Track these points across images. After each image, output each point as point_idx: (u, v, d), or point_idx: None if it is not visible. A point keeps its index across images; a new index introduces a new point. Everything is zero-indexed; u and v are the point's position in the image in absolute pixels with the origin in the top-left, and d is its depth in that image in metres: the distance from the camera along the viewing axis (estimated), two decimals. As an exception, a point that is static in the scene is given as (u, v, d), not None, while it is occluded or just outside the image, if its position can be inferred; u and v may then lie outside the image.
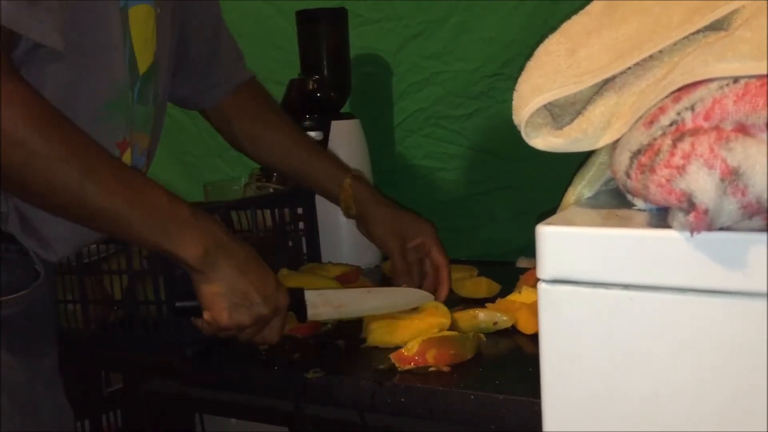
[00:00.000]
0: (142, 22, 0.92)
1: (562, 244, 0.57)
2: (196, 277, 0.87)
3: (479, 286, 1.19)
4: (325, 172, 1.18)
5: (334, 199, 1.18)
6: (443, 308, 1.04)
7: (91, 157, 0.79)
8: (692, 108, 0.52)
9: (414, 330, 0.99)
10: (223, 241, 0.87)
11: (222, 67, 1.18)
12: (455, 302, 1.12)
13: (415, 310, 1.05)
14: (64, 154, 0.76)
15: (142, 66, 0.94)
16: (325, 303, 1.01)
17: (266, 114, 1.21)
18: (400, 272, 1.13)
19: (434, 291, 1.11)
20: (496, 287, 1.18)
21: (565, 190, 0.70)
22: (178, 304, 0.93)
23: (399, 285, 1.13)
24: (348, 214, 1.17)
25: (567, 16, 0.70)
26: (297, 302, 0.98)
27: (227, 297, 0.87)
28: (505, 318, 1.01)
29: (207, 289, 0.87)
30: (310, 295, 1.00)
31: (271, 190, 1.36)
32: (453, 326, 1.02)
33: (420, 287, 1.11)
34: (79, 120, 0.80)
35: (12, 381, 0.86)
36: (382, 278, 1.34)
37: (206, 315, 0.89)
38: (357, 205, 1.15)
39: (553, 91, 0.62)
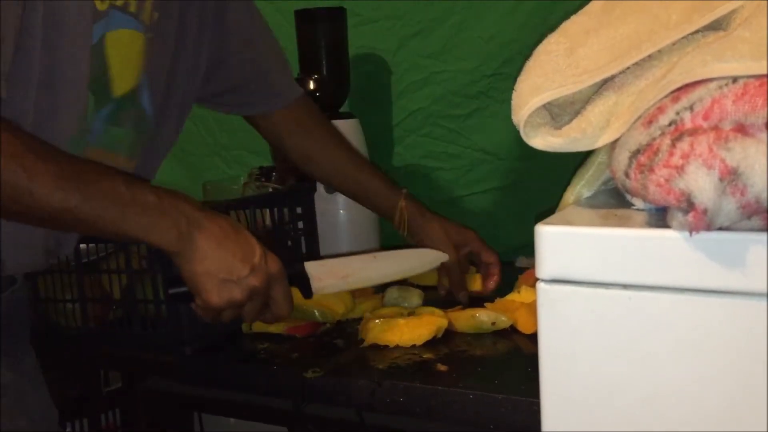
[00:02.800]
0: (124, 47, 0.91)
1: (561, 244, 0.57)
2: (177, 260, 0.84)
3: (474, 281, 1.20)
4: (377, 192, 1.21)
5: (387, 217, 1.22)
6: (438, 311, 1.04)
7: (34, 159, 0.75)
8: (691, 108, 0.52)
9: (411, 329, 0.99)
10: (196, 218, 0.83)
11: (271, 81, 1.19)
12: (453, 302, 1.12)
13: (411, 312, 1.05)
14: (4, 163, 0.73)
15: (119, 89, 0.93)
16: (330, 274, 0.95)
17: (319, 131, 1.22)
18: (459, 280, 1.17)
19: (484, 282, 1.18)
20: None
21: (564, 189, 0.70)
22: (170, 291, 0.89)
23: (460, 299, 1.14)
24: (399, 228, 1.20)
25: (566, 16, 0.70)
26: (299, 277, 0.93)
27: (212, 275, 0.83)
28: (503, 318, 1.01)
29: (190, 271, 0.83)
30: (311, 268, 0.94)
31: (270, 190, 1.36)
32: (450, 326, 1.03)
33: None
34: None
35: (3, 381, 0.86)
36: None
37: (197, 299, 0.85)
38: (410, 222, 1.18)
39: (552, 91, 0.62)
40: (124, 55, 0.92)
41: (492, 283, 1.17)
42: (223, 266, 0.83)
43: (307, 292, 0.94)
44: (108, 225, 0.79)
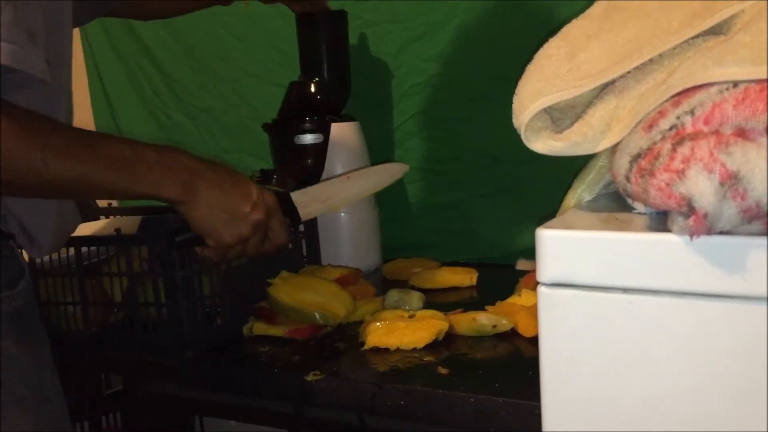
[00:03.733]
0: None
1: (561, 248, 0.57)
2: (184, 209, 0.89)
3: (456, 274, 1.25)
4: None
5: None
6: (439, 313, 1.04)
7: (43, 132, 0.79)
8: (692, 112, 0.53)
9: (412, 332, 0.99)
10: (197, 168, 0.89)
11: None
12: (455, 306, 1.12)
13: (412, 315, 1.05)
14: (14, 139, 0.75)
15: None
16: (313, 200, 1.03)
17: None
18: None
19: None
20: (473, 274, 1.26)
21: (565, 193, 0.70)
22: (177, 239, 0.95)
23: None
24: None
25: (567, 20, 0.70)
26: (287, 205, 1.00)
27: (219, 217, 0.90)
28: (504, 321, 1.02)
29: (198, 217, 0.90)
30: (296, 197, 1.01)
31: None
32: (451, 329, 1.03)
33: None
34: None
35: (26, 371, 0.87)
36: (383, 281, 1.34)
37: (209, 241, 0.92)
38: None
39: (552, 95, 0.62)
40: None
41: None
42: (228, 207, 0.90)
43: (296, 218, 1.02)
44: (118, 186, 0.85)
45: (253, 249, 0.95)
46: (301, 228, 1.31)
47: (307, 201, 1.02)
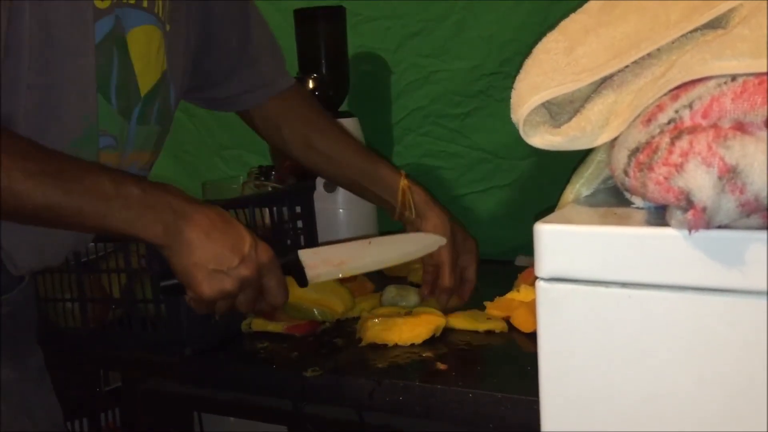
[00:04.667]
0: (143, 45, 0.92)
1: (560, 243, 0.57)
2: (166, 254, 0.83)
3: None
4: (383, 177, 1.11)
5: (390, 204, 1.11)
6: (437, 309, 1.04)
7: (12, 159, 0.75)
8: (690, 106, 0.52)
9: (410, 328, 0.99)
10: (183, 210, 0.82)
11: (259, 70, 1.15)
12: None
13: (409, 312, 1.05)
14: None
15: (145, 87, 0.93)
16: (325, 262, 0.92)
17: (317, 117, 1.17)
18: (448, 286, 1.04)
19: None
20: None
21: (564, 188, 0.70)
22: (162, 283, 0.87)
23: (442, 301, 1.04)
24: (402, 216, 1.10)
25: (565, 15, 0.70)
26: (293, 265, 0.91)
27: (201, 266, 0.82)
28: (500, 322, 1.01)
29: (179, 264, 0.82)
30: (305, 256, 0.92)
31: (270, 189, 1.36)
32: (449, 325, 1.03)
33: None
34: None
35: (6, 381, 0.86)
36: (381, 277, 1.34)
37: (188, 291, 0.84)
38: (416, 203, 1.08)
39: (551, 90, 0.62)
40: (144, 52, 0.92)
41: (459, 301, 1.08)
42: (212, 257, 0.82)
43: (302, 280, 0.92)
44: (90, 220, 0.79)
45: (244, 306, 0.87)
46: (300, 224, 1.31)
47: (317, 262, 0.92)
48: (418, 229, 1.07)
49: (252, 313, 0.93)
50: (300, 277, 0.92)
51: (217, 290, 0.83)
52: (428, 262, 1.05)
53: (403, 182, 1.09)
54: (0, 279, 0.87)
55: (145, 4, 0.91)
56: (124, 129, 0.93)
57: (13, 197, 0.75)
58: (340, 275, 0.95)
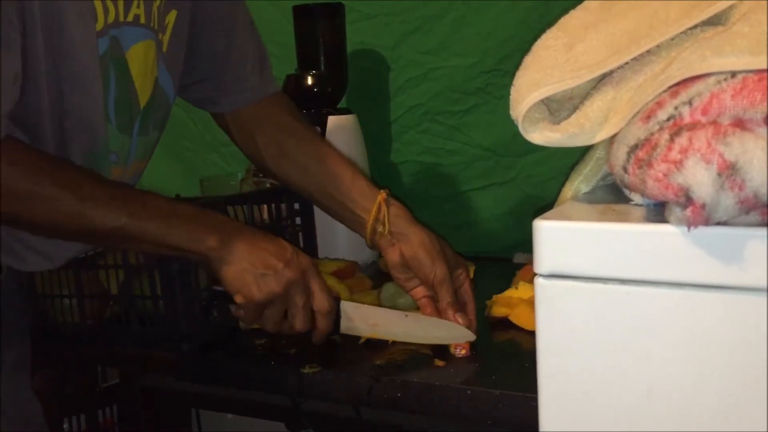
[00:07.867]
0: (140, 61, 0.94)
1: (559, 239, 0.56)
2: (216, 265, 0.90)
3: None
4: (361, 192, 1.05)
5: (364, 217, 1.04)
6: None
7: (83, 186, 0.84)
8: (690, 103, 0.52)
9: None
10: (230, 225, 0.92)
11: (241, 76, 1.13)
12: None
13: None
14: (57, 193, 0.82)
15: (143, 99, 0.96)
16: (361, 319, 0.99)
17: (294, 125, 1.13)
18: (449, 304, 0.98)
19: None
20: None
21: (563, 185, 0.70)
22: (215, 287, 0.96)
23: (449, 318, 0.98)
24: (374, 235, 1.03)
25: (564, 11, 0.70)
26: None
27: (250, 271, 0.89)
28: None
29: (230, 272, 0.90)
30: (346, 306, 0.99)
31: (268, 186, 1.36)
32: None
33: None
34: None
35: None
36: (379, 274, 1.34)
37: (238, 298, 0.91)
38: (393, 220, 1.02)
39: (550, 86, 0.62)
40: (142, 67, 0.95)
41: (474, 327, 0.98)
42: (259, 262, 0.90)
43: (336, 328, 0.98)
44: (153, 238, 0.87)
45: (294, 313, 0.92)
46: (298, 221, 1.31)
47: (354, 315, 0.98)
48: (399, 251, 1.01)
49: (300, 332, 0.95)
50: (335, 323, 0.97)
51: (266, 291, 0.90)
52: (424, 280, 1.01)
53: (381, 195, 1.03)
54: None
55: (142, 20, 0.92)
56: (125, 143, 0.97)
57: (85, 221, 0.84)
58: (371, 335, 0.99)
